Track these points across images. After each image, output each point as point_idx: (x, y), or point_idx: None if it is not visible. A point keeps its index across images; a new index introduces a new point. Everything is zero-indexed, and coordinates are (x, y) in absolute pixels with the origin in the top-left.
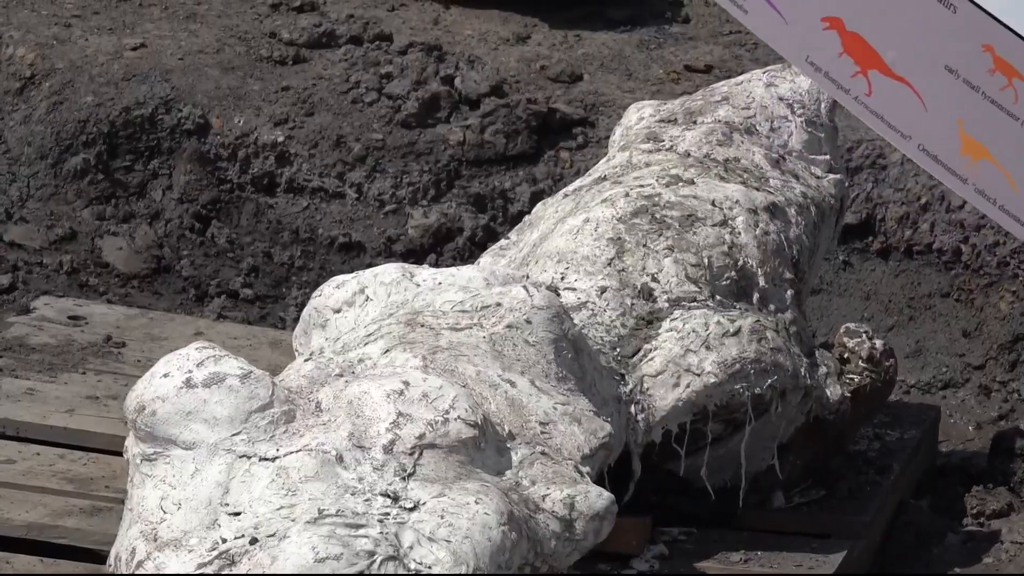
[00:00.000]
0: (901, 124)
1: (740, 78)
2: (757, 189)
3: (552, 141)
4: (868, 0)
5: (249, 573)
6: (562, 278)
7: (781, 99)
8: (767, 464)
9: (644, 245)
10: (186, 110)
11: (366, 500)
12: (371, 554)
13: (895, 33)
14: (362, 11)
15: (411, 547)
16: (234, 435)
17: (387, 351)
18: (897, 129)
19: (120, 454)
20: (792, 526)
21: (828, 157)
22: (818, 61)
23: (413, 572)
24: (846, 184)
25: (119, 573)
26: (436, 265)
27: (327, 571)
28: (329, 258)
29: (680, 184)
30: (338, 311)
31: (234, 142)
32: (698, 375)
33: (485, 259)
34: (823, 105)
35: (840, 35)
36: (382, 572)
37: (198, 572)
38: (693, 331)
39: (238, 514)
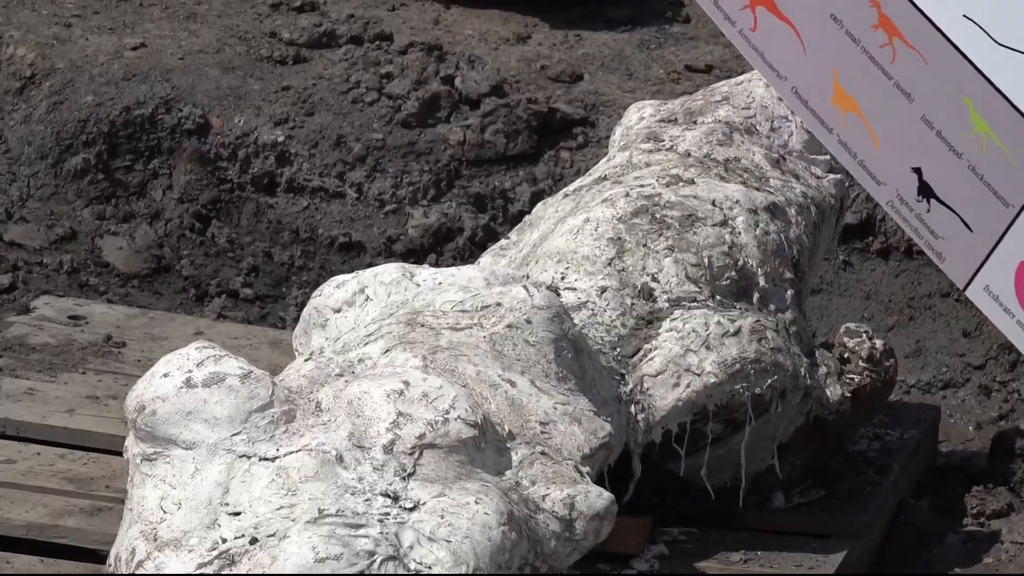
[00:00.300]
0: (779, 64)
1: (740, 78)
2: (757, 189)
3: (552, 141)
4: None
5: (249, 573)
6: (562, 278)
7: (781, 99)
8: (767, 464)
9: (644, 245)
10: (186, 110)
11: (366, 500)
12: (371, 554)
13: None
14: (362, 11)
15: (411, 547)
16: (234, 435)
17: (387, 351)
18: (774, 68)
19: (120, 454)
20: (792, 526)
21: (828, 157)
22: None
23: (413, 572)
24: (846, 184)
25: (119, 573)
26: (436, 265)
27: (327, 571)
28: (329, 258)
29: (680, 184)
30: (338, 311)
31: (234, 142)
32: (698, 375)
33: (485, 259)
34: None
35: None
36: (382, 572)
37: (198, 572)
38: (693, 331)
39: (238, 514)
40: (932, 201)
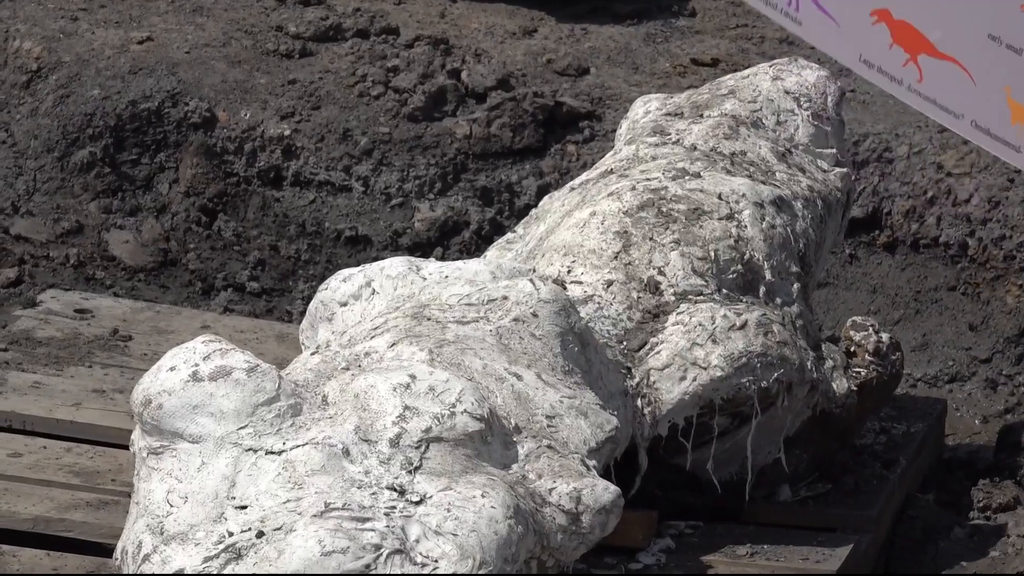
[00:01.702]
0: (952, 104)
1: (747, 72)
2: (763, 183)
3: (559, 135)
4: None
5: (256, 566)
6: (568, 271)
7: (787, 93)
8: (773, 458)
9: (650, 239)
10: (192, 103)
11: (372, 493)
12: (377, 547)
13: (939, 11)
14: (368, 4)
15: (417, 540)
16: (240, 429)
17: (393, 344)
18: (949, 110)
19: (127, 447)
20: (798, 520)
21: (834, 151)
22: (871, 57)
23: (419, 565)
24: (852, 178)
25: (125, 566)
26: (442, 259)
27: (333, 564)
28: (335, 251)
29: (686, 177)
30: (344, 304)
31: (240, 135)
32: (704, 369)
33: (491, 252)
34: (830, 99)
35: (889, 26)
36: (388, 565)
37: (204, 565)
38: (699, 325)
39: (244, 507)
40: None
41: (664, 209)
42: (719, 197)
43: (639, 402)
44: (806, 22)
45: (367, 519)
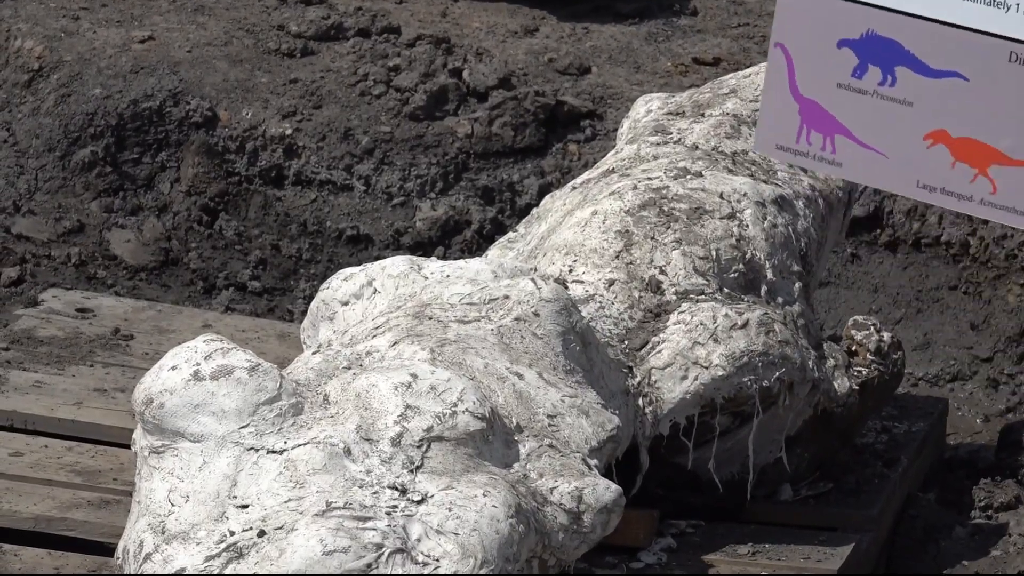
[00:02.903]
0: None
1: (748, 71)
2: (765, 182)
3: (560, 134)
4: (968, 99)
5: (256, 566)
6: (570, 271)
7: None
8: (775, 457)
9: (652, 238)
10: (194, 103)
11: (374, 493)
12: (379, 547)
13: (1005, 120)
14: (370, 3)
15: (419, 539)
16: (242, 428)
17: (395, 344)
18: None
19: (128, 447)
20: (800, 519)
21: None
22: (931, 181)
23: (421, 564)
24: None
25: (127, 566)
26: (444, 258)
27: (335, 563)
28: (337, 251)
29: (688, 177)
30: (346, 304)
31: (242, 135)
32: (706, 368)
33: (493, 252)
34: None
35: (947, 146)
36: (390, 564)
37: (206, 564)
38: (701, 324)
39: (246, 507)
40: None
41: (666, 208)
42: (721, 196)
43: (640, 401)
44: (847, 162)
45: (368, 518)
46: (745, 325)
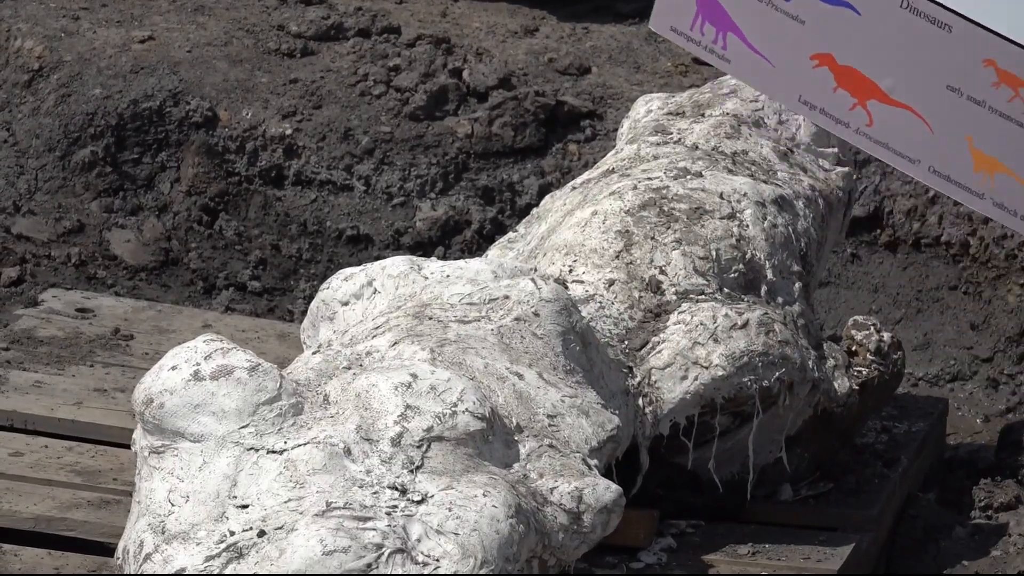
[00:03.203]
0: (907, 149)
1: None
2: (765, 182)
3: (560, 134)
4: (857, 32)
5: (256, 566)
6: (570, 271)
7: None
8: (775, 457)
9: (652, 238)
10: (194, 103)
11: (374, 493)
12: (379, 547)
13: (889, 61)
14: (370, 3)
15: (419, 540)
16: (242, 428)
17: (395, 344)
18: (904, 155)
19: (128, 447)
20: (800, 519)
21: (836, 150)
22: (812, 99)
23: (421, 564)
24: (854, 177)
25: (127, 566)
26: (444, 258)
27: (335, 563)
28: (337, 251)
29: (688, 177)
30: (346, 304)
31: (242, 135)
32: (706, 368)
33: (493, 252)
34: None
35: (832, 70)
36: (390, 564)
37: (206, 565)
38: (701, 324)
39: (246, 507)
40: None
41: (666, 208)
42: (721, 196)
43: (640, 401)
44: (735, 60)
45: (368, 518)
46: (745, 325)
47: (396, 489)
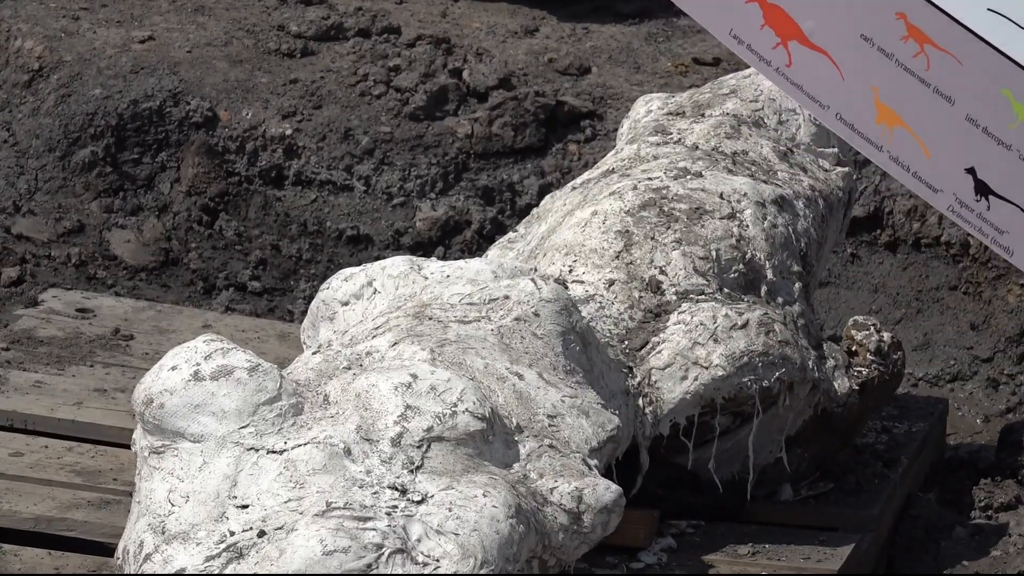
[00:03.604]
0: (819, 94)
1: (748, 71)
2: (765, 182)
3: (560, 134)
4: None
5: (256, 566)
6: (570, 271)
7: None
8: (775, 457)
9: (652, 238)
10: (194, 103)
11: (374, 493)
12: (379, 547)
13: (813, 3)
14: (370, 4)
15: (419, 540)
16: (242, 428)
17: (395, 344)
18: (815, 99)
19: (128, 447)
20: (800, 519)
21: (836, 150)
22: (741, 34)
23: (421, 564)
24: (854, 177)
25: (127, 566)
26: (444, 258)
27: (335, 564)
28: (337, 251)
29: (688, 177)
30: (346, 304)
31: (242, 135)
32: (706, 368)
33: (493, 252)
34: None
35: (761, 7)
36: (390, 564)
37: (206, 565)
38: (701, 324)
39: (246, 507)
40: (991, 198)
41: (666, 208)
42: (721, 196)
43: (640, 401)
44: None
45: (368, 518)
46: (745, 325)
47: (396, 489)
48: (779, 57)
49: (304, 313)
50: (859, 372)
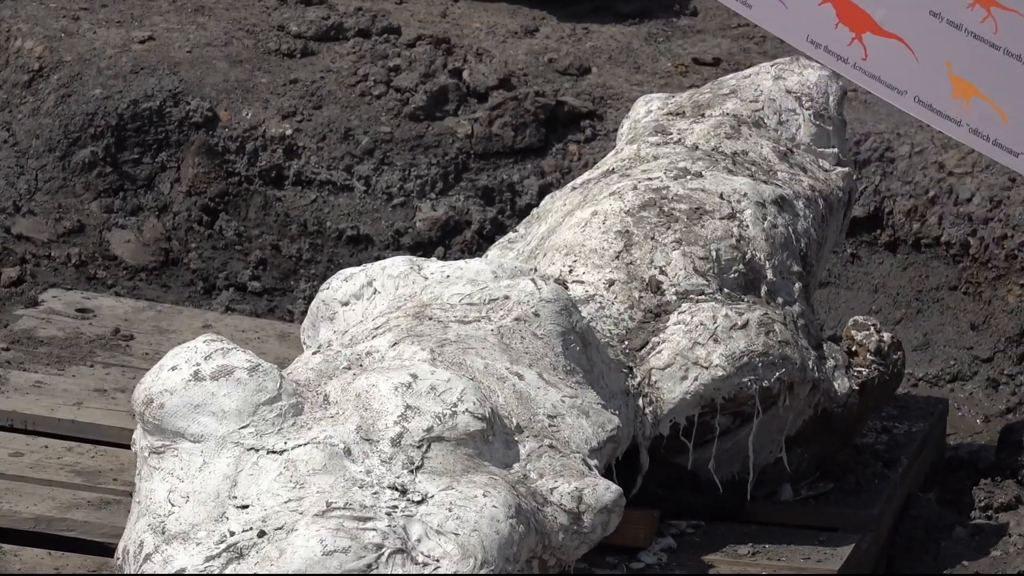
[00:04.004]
0: (896, 80)
1: (748, 71)
2: (765, 182)
3: (560, 134)
4: None
5: (256, 566)
6: (570, 271)
7: (789, 92)
8: (775, 457)
9: (652, 238)
10: (194, 103)
11: (374, 493)
12: (379, 547)
13: None
14: (370, 4)
15: (419, 540)
16: (242, 428)
17: (395, 344)
18: (893, 86)
19: (128, 447)
20: (800, 519)
21: (836, 150)
22: (817, 37)
23: (421, 565)
24: (854, 177)
25: (127, 566)
26: (444, 258)
27: (335, 564)
28: (337, 251)
29: (688, 177)
30: (346, 304)
31: (242, 135)
32: (706, 368)
33: (493, 252)
34: (831, 98)
35: (834, 6)
36: (390, 565)
37: (206, 565)
38: (701, 324)
39: (246, 507)
40: None
41: (666, 209)
42: (721, 196)
43: (640, 401)
44: (756, 5)
45: (368, 518)
46: (745, 325)
47: (396, 489)
48: (855, 52)
49: (304, 313)
50: (859, 372)
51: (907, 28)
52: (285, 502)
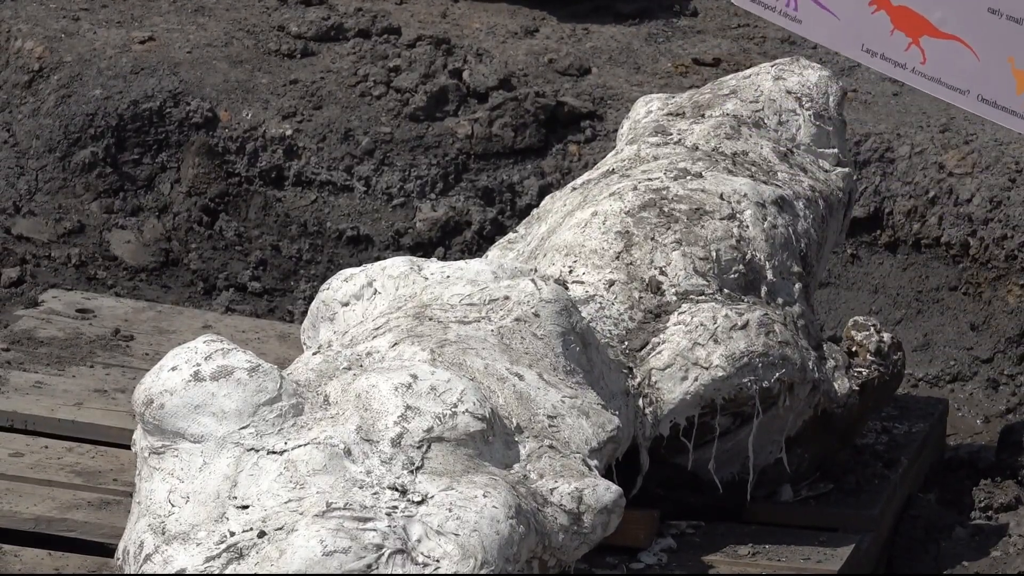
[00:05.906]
0: (957, 81)
1: (748, 72)
2: (765, 183)
3: (560, 134)
4: None
5: (257, 567)
6: (570, 271)
7: (789, 92)
8: (775, 457)
9: (652, 238)
10: (194, 103)
11: (374, 493)
12: (379, 547)
13: None
14: (370, 4)
15: (419, 540)
16: (242, 428)
17: (395, 344)
18: (955, 87)
19: (128, 447)
20: (800, 520)
21: (836, 150)
22: (873, 46)
23: (421, 565)
24: (854, 177)
25: (127, 566)
26: (444, 258)
27: (335, 564)
28: (337, 251)
29: (688, 177)
30: (346, 304)
31: (242, 135)
32: (706, 368)
33: (493, 252)
34: (831, 98)
35: (888, 13)
36: (390, 565)
37: (206, 565)
38: (701, 324)
39: (246, 507)
40: None
41: (666, 209)
42: (721, 197)
43: (640, 402)
44: (806, 20)
45: (369, 519)
46: (745, 326)
47: (396, 490)
48: (913, 57)
49: (304, 314)
50: (859, 373)
51: (965, 27)
52: (285, 502)
